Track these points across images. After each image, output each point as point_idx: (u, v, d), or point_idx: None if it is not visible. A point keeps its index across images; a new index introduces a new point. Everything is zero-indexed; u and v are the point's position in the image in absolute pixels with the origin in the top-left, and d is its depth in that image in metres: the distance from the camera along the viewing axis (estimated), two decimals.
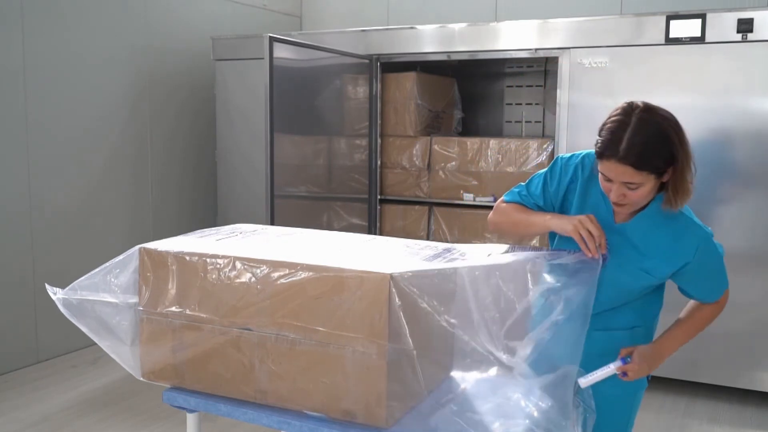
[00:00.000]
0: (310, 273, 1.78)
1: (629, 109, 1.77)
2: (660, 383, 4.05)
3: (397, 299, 1.69)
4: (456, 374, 2.03)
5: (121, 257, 2.03)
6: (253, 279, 1.86)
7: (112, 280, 2.02)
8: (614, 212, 1.90)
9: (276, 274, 1.82)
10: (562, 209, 2.00)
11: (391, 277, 1.68)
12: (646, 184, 1.74)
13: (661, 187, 1.81)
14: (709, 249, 1.87)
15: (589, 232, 1.80)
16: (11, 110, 4.17)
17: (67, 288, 2.00)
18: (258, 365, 1.89)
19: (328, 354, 1.78)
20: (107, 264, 2.04)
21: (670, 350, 1.96)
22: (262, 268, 1.85)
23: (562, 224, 1.87)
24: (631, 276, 1.91)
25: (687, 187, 1.76)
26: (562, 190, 1.98)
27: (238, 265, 1.88)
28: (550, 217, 1.93)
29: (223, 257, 1.91)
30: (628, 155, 1.70)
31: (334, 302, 1.75)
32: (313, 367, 1.81)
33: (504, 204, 2.08)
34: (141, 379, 2.10)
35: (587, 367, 1.87)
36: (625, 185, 1.74)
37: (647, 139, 1.70)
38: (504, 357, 1.84)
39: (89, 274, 2.02)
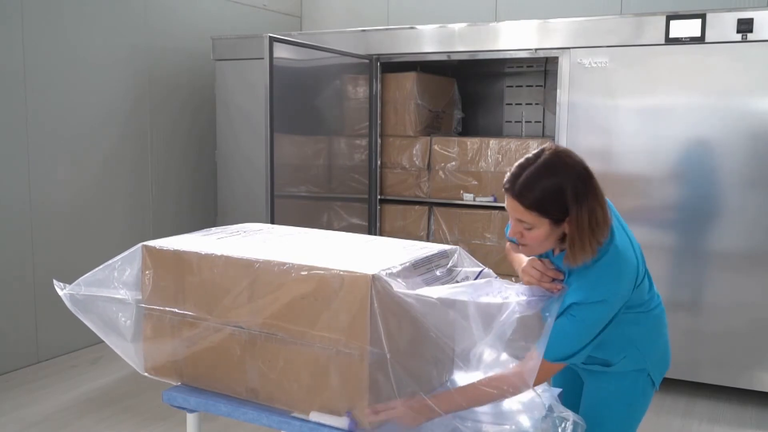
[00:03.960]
0: (297, 273, 1.79)
1: (541, 151, 1.75)
2: (660, 383, 4.04)
3: (377, 300, 1.68)
4: (457, 376, 2.03)
5: (125, 254, 2.06)
6: (244, 278, 1.87)
7: (117, 276, 2.05)
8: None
9: (265, 274, 1.83)
10: None
11: (373, 277, 1.68)
12: (539, 228, 1.72)
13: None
14: (592, 303, 1.74)
15: (536, 277, 1.84)
16: (11, 110, 4.17)
17: (72, 284, 2.01)
18: (249, 363, 1.90)
19: (314, 354, 1.78)
20: (111, 261, 2.06)
21: (432, 412, 1.75)
22: (252, 268, 1.86)
23: (520, 274, 1.93)
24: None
25: (584, 247, 1.70)
26: None
27: (230, 263, 1.89)
28: (517, 267, 1.98)
29: (217, 256, 1.92)
30: (520, 193, 1.71)
31: (319, 302, 1.75)
32: (299, 366, 1.82)
33: (507, 242, 2.13)
34: (144, 374, 2.11)
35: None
36: (521, 223, 1.74)
37: (541, 183, 1.69)
38: (493, 361, 1.84)
39: (94, 270, 2.03)
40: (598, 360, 1.96)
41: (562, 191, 1.69)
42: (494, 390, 1.77)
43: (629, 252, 1.81)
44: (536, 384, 1.78)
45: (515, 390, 1.76)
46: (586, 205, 1.69)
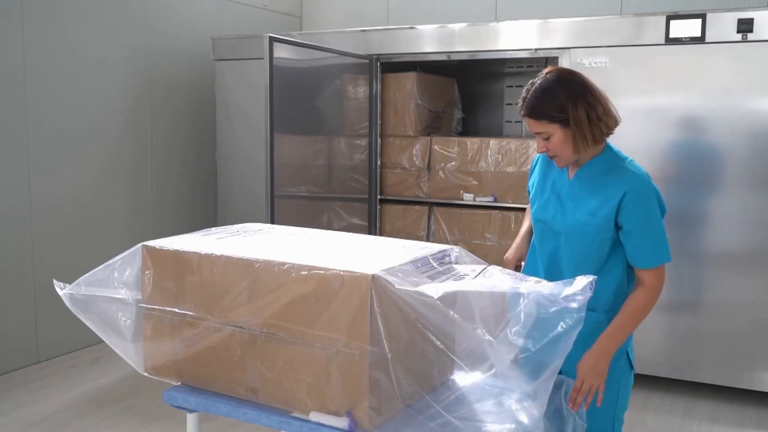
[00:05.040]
0: (297, 272, 1.78)
1: (541, 74, 2.08)
2: (660, 383, 4.05)
3: (378, 300, 1.68)
4: (457, 376, 2.03)
5: (124, 254, 2.06)
6: (244, 278, 1.87)
7: (117, 276, 2.05)
8: (565, 168, 2.16)
9: (264, 274, 1.83)
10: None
11: (373, 277, 1.68)
12: (554, 134, 2.00)
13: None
14: (646, 193, 2.00)
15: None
16: (11, 110, 4.18)
17: (72, 284, 2.02)
18: (249, 363, 1.89)
19: (314, 354, 1.78)
20: (111, 261, 2.06)
21: (610, 346, 2.00)
22: (251, 268, 1.85)
23: None
24: (578, 220, 2.06)
25: (585, 138, 1.99)
26: (535, 177, 2.29)
27: (230, 263, 1.89)
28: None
29: (216, 256, 1.92)
30: (526, 108, 2.04)
31: (320, 302, 1.75)
32: (299, 366, 1.81)
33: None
34: (144, 374, 2.11)
35: None
36: (540, 136, 2.03)
37: (536, 93, 2.02)
38: (493, 361, 1.83)
39: (94, 270, 2.04)
40: (598, 302, 2.03)
41: (555, 94, 1.99)
42: (644, 310, 2.02)
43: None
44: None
45: (655, 302, 2.04)
46: (581, 103, 1.97)
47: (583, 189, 2.08)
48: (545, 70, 2.07)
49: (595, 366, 1.97)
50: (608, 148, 2.10)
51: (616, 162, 2.06)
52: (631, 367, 2.15)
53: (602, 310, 2.07)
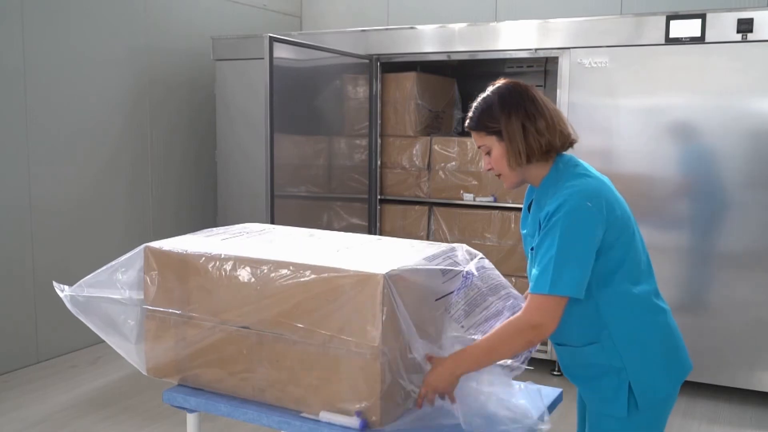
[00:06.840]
0: (307, 273, 1.78)
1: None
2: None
3: (390, 299, 1.68)
4: (466, 376, 2.02)
5: (127, 255, 2.05)
6: (252, 279, 1.86)
7: (119, 278, 2.04)
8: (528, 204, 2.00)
9: (274, 274, 1.83)
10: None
11: (385, 277, 1.68)
12: (493, 148, 1.88)
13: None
14: (566, 212, 1.72)
15: None
16: (11, 110, 4.17)
17: (74, 285, 2.01)
18: (256, 364, 1.89)
19: (324, 354, 1.78)
20: (114, 262, 2.05)
21: (456, 366, 1.77)
22: (261, 268, 1.85)
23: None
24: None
25: (517, 148, 1.83)
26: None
27: (238, 265, 1.89)
28: None
29: (224, 257, 1.91)
30: (470, 120, 1.93)
31: (330, 302, 1.75)
32: (309, 366, 1.81)
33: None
34: (146, 374, 2.11)
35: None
36: (483, 151, 1.92)
37: (477, 104, 1.93)
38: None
39: (96, 272, 2.03)
40: (565, 338, 1.89)
41: (489, 106, 1.89)
42: (508, 337, 1.74)
43: (596, 180, 1.84)
44: (550, 328, 1.72)
45: (529, 335, 1.72)
46: (518, 114, 1.84)
47: (534, 223, 1.85)
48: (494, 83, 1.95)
49: (437, 381, 1.78)
50: (554, 165, 1.86)
51: (556, 180, 1.83)
52: (636, 405, 1.92)
53: (577, 344, 1.87)
